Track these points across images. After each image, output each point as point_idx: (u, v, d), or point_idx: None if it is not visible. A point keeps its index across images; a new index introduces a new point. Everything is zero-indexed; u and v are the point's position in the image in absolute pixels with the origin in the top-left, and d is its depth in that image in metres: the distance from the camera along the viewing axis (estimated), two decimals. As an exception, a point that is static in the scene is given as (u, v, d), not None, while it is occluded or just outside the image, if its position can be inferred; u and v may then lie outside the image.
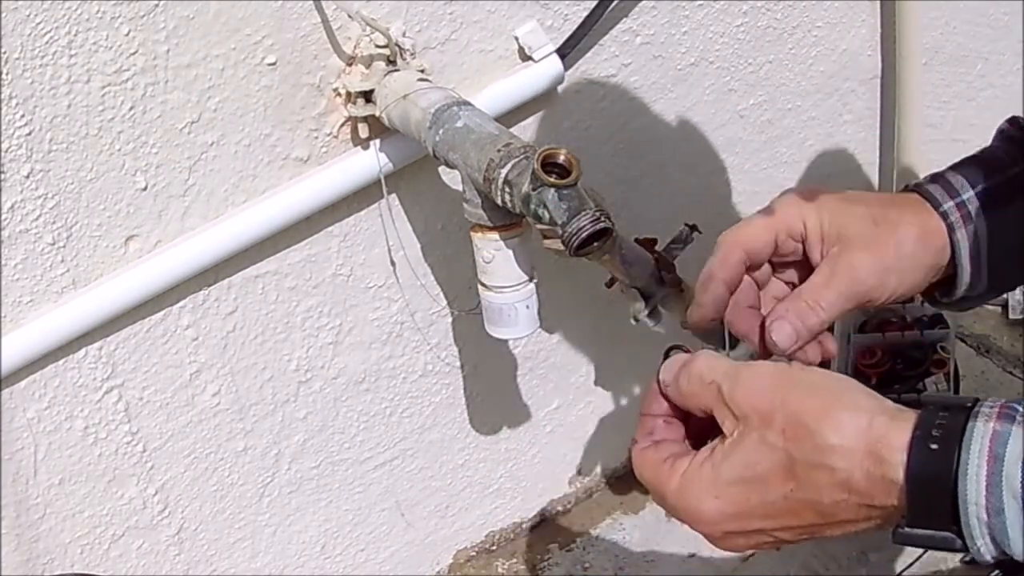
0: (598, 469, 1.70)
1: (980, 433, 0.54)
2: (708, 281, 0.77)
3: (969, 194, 0.74)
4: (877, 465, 0.56)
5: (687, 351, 0.68)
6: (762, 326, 0.74)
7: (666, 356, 0.69)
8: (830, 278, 0.72)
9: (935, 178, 0.76)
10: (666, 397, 0.67)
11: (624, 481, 1.71)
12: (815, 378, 0.61)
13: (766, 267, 0.78)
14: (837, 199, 0.75)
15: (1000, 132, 0.80)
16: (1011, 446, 0.53)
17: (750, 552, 0.69)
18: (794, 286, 0.77)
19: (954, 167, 0.76)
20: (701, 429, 0.66)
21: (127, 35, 0.99)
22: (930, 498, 0.54)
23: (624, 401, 1.66)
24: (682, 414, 0.67)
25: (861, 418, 0.57)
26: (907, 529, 0.56)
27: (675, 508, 0.63)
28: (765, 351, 0.73)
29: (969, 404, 0.56)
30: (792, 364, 0.66)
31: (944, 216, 0.74)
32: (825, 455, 0.57)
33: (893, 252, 0.72)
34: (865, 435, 0.56)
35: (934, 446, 0.54)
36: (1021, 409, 0.55)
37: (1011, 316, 1.84)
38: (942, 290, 0.78)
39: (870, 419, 0.57)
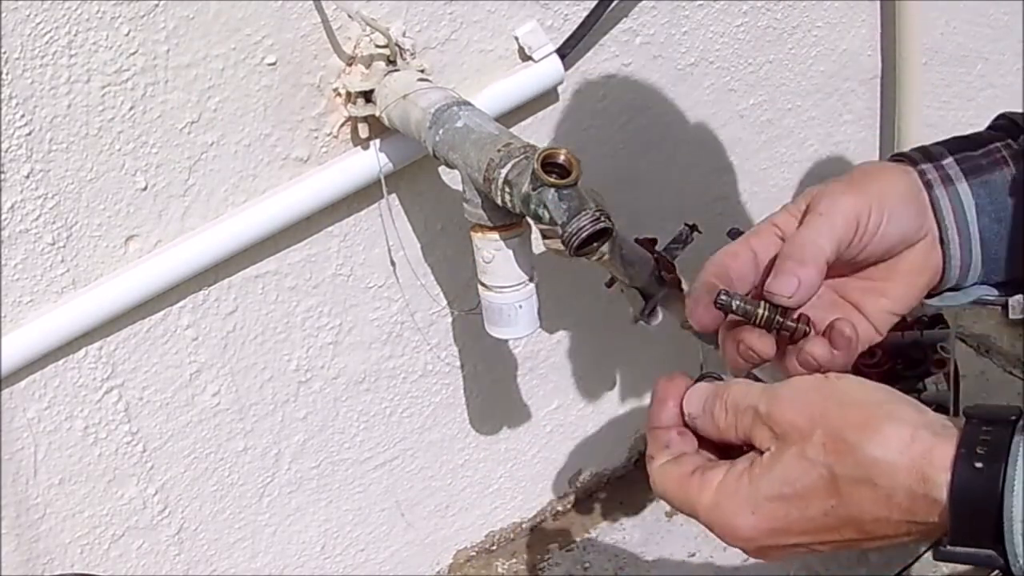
0: (599, 469, 1.70)
1: None
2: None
3: (948, 160, 0.72)
4: (920, 484, 0.55)
5: (718, 378, 0.65)
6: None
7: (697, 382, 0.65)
8: (814, 218, 0.68)
9: (915, 150, 0.74)
10: (693, 429, 0.64)
11: (624, 481, 1.71)
12: (854, 389, 0.59)
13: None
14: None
15: (989, 125, 0.79)
16: None
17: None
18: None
19: (937, 142, 0.75)
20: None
21: (127, 35, 0.99)
22: (974, 518, 0.54)
23: (624, 401, 1.66)
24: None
25: (904, 431, 0.56)
26: (949, 547, 0.55)
27: (709, 523, 0.62)
28: (780, 359, 0.70)
29: (1014, 417, 0.55)
30: (829, 375, 0.64)
31: (922, 173, 0.71)
32: (868, 469, 0.56)
33: (875, 189, 0.69)
34: (908, 450, 0.56)
35: (979, 464, 0.53)
36: None
37: (1011, 316, 1.83)
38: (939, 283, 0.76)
39: (913, 433, 0.56)
